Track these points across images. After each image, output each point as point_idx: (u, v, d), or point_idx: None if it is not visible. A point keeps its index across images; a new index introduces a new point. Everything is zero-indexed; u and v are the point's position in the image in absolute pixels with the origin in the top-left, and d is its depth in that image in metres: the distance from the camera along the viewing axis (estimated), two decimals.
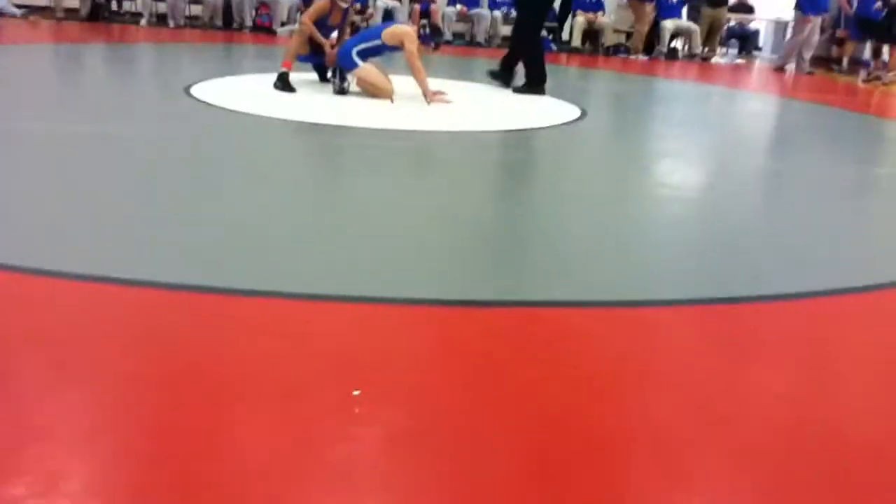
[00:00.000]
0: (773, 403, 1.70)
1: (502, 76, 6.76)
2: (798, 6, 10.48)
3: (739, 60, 12.57)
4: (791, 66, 10.78)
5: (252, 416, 1.49)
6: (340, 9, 6.00)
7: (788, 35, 11.63)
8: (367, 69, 5.64)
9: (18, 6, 10.90)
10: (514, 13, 11.79)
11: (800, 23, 10.56)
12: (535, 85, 6.42)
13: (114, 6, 11.69)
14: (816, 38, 10.71)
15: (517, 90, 6.48)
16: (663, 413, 1.61)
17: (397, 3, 11.70)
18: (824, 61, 11.56)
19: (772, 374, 1.85)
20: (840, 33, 11.19)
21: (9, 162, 3.30)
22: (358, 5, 7.25)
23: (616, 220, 3.09)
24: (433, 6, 11.57)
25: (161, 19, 11.39)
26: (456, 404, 1.59)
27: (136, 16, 11.46)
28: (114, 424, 1.45)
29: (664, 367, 1.83)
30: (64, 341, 1.75)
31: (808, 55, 10.64)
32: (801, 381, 1.83)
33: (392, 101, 5.54)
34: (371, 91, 5.66)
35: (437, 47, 6.13)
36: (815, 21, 10.50)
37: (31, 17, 10.78)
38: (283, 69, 5.75)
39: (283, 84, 5.71)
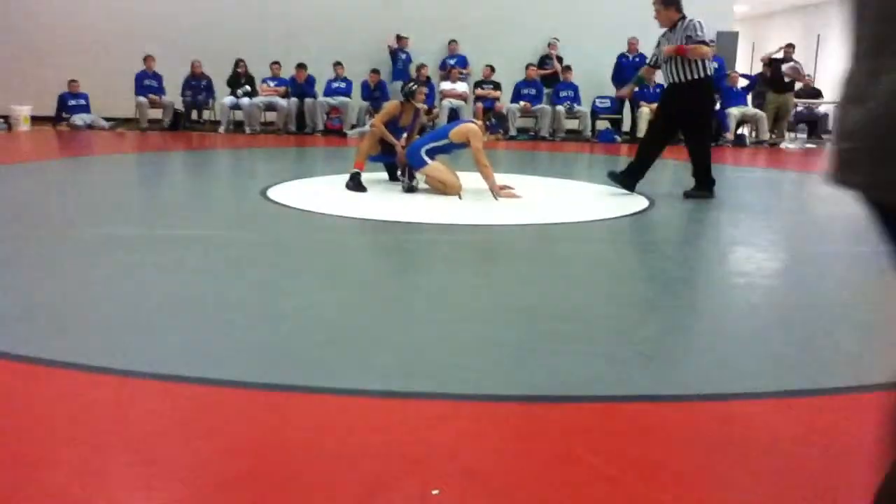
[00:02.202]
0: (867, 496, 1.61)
1: (627, 180, 6.15)
2: None
3: (809, 145, 12.43)
4: None
5: None
6: (411, 110, 6.21)
7: None
8: (435, 166, 5.78)
9: (107, 119, 11.61)
10: (577, 107, 12.05)
11: None
12: (708, 190, 6.05)
13: (194, 116, 12.33)
14: None
15: (691, 196, 5.98)
16: None
17: (462, 103, 12.04)
18: None
19: (859, 465, 1.75)
20: None
21: (97, 265, 3.45)
22: (426, 106, 7.48)
23: (695, 311, 3.03)
24: (497, 104, 11.86)
25: (238, 126, 11.95)
26: (534, 501, 1.55)
27: (215, 124, 12.05)
28: None
29: (750, 461, 1.76)
30: (149, 440, 1.78)
31: None
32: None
33: (460, 197, 5.64)
34: (440, 188, 5.77)
35: (505, 133, 6.26)
36: None
37: (118, 129, 11.45)
38: (356, 170, 5.93)
39: (356, 184, 5.87)
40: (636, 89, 8.31)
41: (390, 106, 6.28)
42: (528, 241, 4.44)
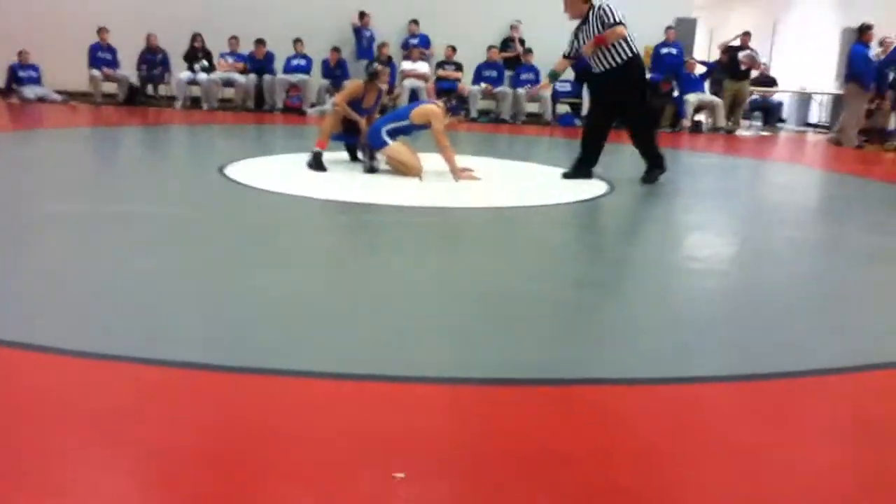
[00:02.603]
0: (815, 482, 1.66)
1: (581, 171, 6.11)
2: (856, 81, 10.22)
3: (764, 132, 12.65)
4: (854, 143, 10.28)
5: (294, 499, 1.47)
6: (375, 91, 6.16)
7: (840, 110, 11.24)
8: (396, 147, 5.75)
9: (59, 92, 11.31)
10: (541, 93, 12.07)
11: (858, 96, 10.30)
12: (660, 169, 6.05)
13: (149, 90, 12.08)
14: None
15: (647, 180, 5.98)
16: (705, 490, 1.57)
17: (423, 83, 11.98)
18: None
19: (813, 451, 1.80)
20: (884, 105, 11.07)
21: (45, 242, 3.37)
22: (387, 86, 7.43)
23: (648, 295, 3.08)
24: (459, 85, 11.83)
25: (195, 102, 11.75)
26: (497, 483, 1.57)
27: (171, 99, 11.83)
28: (158, 500, 1.45)
29: (703, 444, 1.80)
30: (104, 421, 1.75)
31: (857, 128, 10.47)
32: (844, 459, 1.78)
33: (421, 178, 5.62)
34: (400, 169, 5.75)
35: (466, 115, 6.24)
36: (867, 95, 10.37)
37: (71, 103, 11.17)
38: (317, 149, 5.88)
39: (316, 163, 5.82)
40: (554, 83, 8.23)
41: (353, 85, 6.23)
42: (488, 224, 4.45)
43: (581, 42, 5.87)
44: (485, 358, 2.27)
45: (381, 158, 5.88)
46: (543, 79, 6.75)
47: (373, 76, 6.16)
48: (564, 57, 6.14)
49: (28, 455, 1.60)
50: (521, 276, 3.24)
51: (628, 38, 5.75)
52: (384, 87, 6.41)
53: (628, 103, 5.96)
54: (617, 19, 5.66)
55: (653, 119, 6.19)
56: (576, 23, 5.92)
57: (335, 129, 6.06)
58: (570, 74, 12.35)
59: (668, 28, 12.34)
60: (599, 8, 5.73)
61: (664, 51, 12.23)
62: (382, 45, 12.02)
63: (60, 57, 11.39)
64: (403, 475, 1.56)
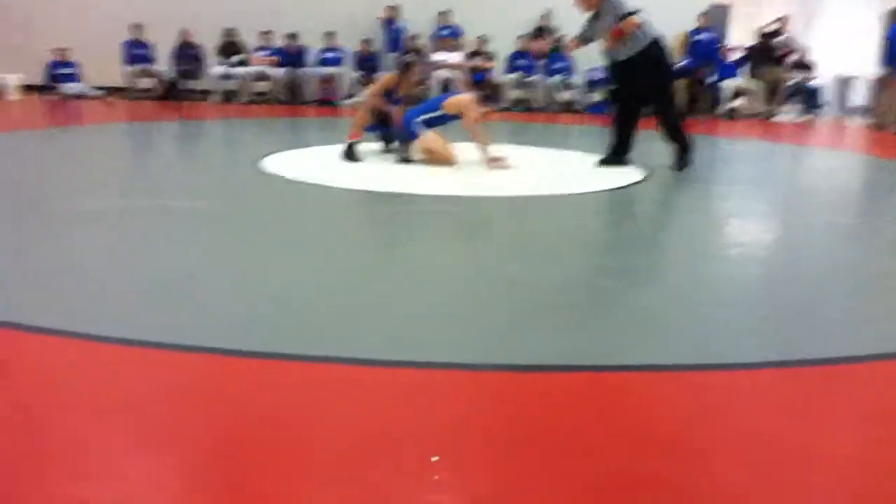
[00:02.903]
0: (844, 467, 1.62)
1: (617, 158, 6.07)
2: (893, 65, 9.99)
3: (803, 118, 12.42)
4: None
5: (328, 484, 1.48)
6: (409, 82, 6.16)
7: (874, 93, 11.02)
8: (429, 137, 5.75)
9: (97, 88, 11.48)
10: (571, 79, 11.99)
11: (894, 78, 10.09)
12: (688, 153, 5.96)
13: (185, 85, 12.21)
14: None
15: (679, 167, 5.90)
16: (735, 477, 1.55)
17: (456, 74, 11.94)
18: None
19: (846, 438, 1.77)
20: None
21: (84, 236, 3.43)
22: (420, 78, 7.43)
23: (684, 282, 3.04)
24: (487, 75, 11.78)
25: (229, 96, 11.85)
26: (525, 471, 1.56)
27: (206, 93, 11.95)
28: (184, 488, 1.46)
29: (736, 431, 1.77)
30: (131, 407, 1.78)
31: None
32: (876, 446, 1.74)
33: (455, 167, 5.61)
34: (434, 159, 5.75)
35: (496, 104, 6.20)
36: None
37: (108, 99, 11.33)
38: (351, 140, 5.90)
39: (350, 154, 5.85)
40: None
41: (386, 78, 6.24)
42: (522, 212, 4.43)
43: (594, 32, 5.82)
44: (515, 344, 2.26)
45: (414, 149, 5.88)
46: (546, 48, 6.55)
47: (405, 68, 6.16)
48: (576, 39, 6.06)
49: (55, 440, 1.63)
50: (554, 264, 3.22)
51: (643, 23, 5.68)
52: (416, 78, 6.40)
53: (652, 88, 5.88)
54: (628, 10, 5.60)
55: (676, 104, 5.99)
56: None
57: (368, 120, 6.08)
58: (600, 61, 12.24)
59: (702, 14, 12.17)
60: (608, 1, 5.65)
61: (698, 37, 12.06)
62: (412, 37, 12.01)
63: (97, 53, 11.55)
64: (437, 458, 1.56)
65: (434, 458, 1.57)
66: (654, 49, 5.75)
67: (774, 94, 12.05)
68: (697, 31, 12.12)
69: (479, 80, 11.24)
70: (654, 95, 5.92)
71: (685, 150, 5.94)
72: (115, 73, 11.58)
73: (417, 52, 11.41)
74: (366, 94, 6.53)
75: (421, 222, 4.05)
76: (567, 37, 12.08)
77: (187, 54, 11.95)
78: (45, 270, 2.86)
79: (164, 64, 11.82)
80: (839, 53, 14.20)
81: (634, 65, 5.73)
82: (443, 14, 12.51)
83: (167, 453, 1.60)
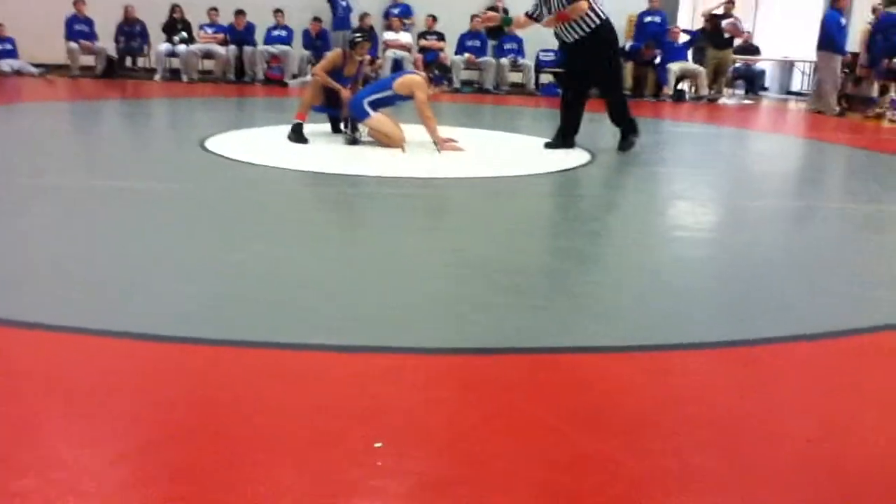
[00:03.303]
0: (802, 448, 1.69)
1: (564, 140, 6.09)
2: (831, 47, 10.21)
3: (747, 101, 12.66)
4: (834, 110, 10.33)
5: (275, 469, 1.49)
6: (355, 61, 6.11)
7: (816, 77, 11.28)
8: (378, 119, 5.72)
9: (35, 65, 11.14)
10: (520, 60, 12.03)
11: (830, 63, 10.32)
12: (634, 134, 6.04)
13: (128, 63, 11.92)
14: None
15: (624, 149, 5.97)
16: (691, 458, 1.60)
17: (406, 54, 11.89)
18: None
19: (798, 416, 1.84)
20: (861, 72, 11.11)
21: (26, 218, 3.35)
22: (369, 57, 7.37)
23: (633, 264, 3.10)
24: (441, 55, 11.75)
25: (174, 74, 11.61)
26: (478, 453, 1.59)
27: (150, 71, 11.69)
28: (138, 475, 1.45)
29: (690, 410, 1.82)
30: (87, 395, 1.76)
31: (834, 94, 10.50)
32: (829, 424, 1.81)
33: (404, 149, 5.60)
34: (383, 140, 5.73)
35: (449, 84, 6.17)
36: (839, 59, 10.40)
37: (48, 76, 11.01)
38: (297, 121, 5.84)
39: (297, 135, 5.79)
40: (499, 33, 7.84)
41: (333, 55, 6.17)
42: (471, 194, 4.45)
43: (545, 10, 5.81)
44: (470, 327, 2.28)
45: (363, 130, 5.85)
46: (499, 16, 6.42)
47: (352, 46, 6.11)
48: (526, 16, 6.03)
49: (10, 431, 1.60)
50: (505, 246, 3.25)
51: (593, 5, 5.70)
52: (365, 57, 6.34)
53: (600, 71, 5.93)
54: None
55: (622, 85, 6.04)
56: None
57: (316, 100, 6.02)
58: (553, 43, 12.32)
59: None
60: None
61: (647, 19, 12.19)
62: (364, 15, 11.91)
63: (36, 29, 11.20)
64: (381, 444, 1.58)
65: (377, 445, 1.58)
66: (603, 31, 5.79)
67: (718, 77, 12.25)
68: (647, 12, 12.25)
69: (430, 61, 11.19)
70: (601, 78, 5.98)
71: (630, 131, 6.02)
72: (56, 49, 11.24)
73: (366, 30, 11.32)
74: (312, 73, 6.45)
75: (373, 204, 4.04)
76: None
77: (131, 31, 11.66)
78: None
79: (106, 41, 11.50)
80: (783, 37, 14.49)
81: (583, 47, 5.78)
82: None
83: (119, 441, 1.58)
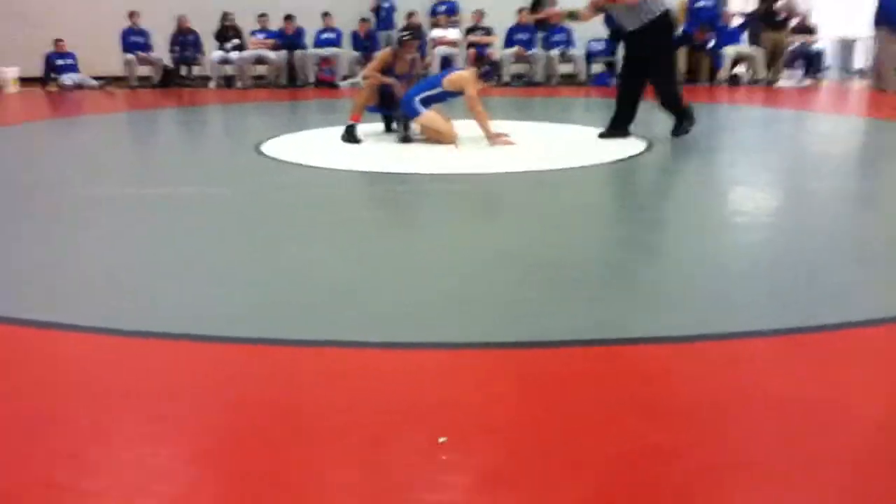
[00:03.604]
0: (872, 435, 1.63)
1: (619, 130, 6.04)
2: (887, 21, 9.89)
3: (806, 82, 12.32)
4: (894, 86, 9.99)
5: (340, 466, 1.50)
6: (405, 59, 6.11)
7: (873, 54, 11.00)
8: (429, 116, 5.73)
9: (95, 78, 11.46)
10: (570, 51, 11.92)
11: (888, 39, 10.00)
12: (689, 122, 5.91)
13: (183, 71, 12.17)
14: None
15: (677, 134, 5.87)
16: (757, 448, 1.56)
17: (455, 50, 11.88)
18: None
19: (866, 403, 1.77)
20: None
21: (80, 228, 3.44)
22: (419, 54, 7.38)
23: (692, 252, 3.04)
24: (489, 50, 11.72)
25: (228, 81, 11.81)
26: (543, 445, 1.57)
27: (205, 79, 11.91)
28: (206, 474, 1.48)
29: (754, 400, 1.78)
30: (151, 397, 1.79)
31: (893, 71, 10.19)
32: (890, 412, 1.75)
33: (456, 145, 5.60)
34: (435, 137, 5.73)
35: (499, 79, 6.13)
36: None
37: (108, 88, 11.31)
38: (351, 122, 5.88)
39: (350, 136, 5.83)
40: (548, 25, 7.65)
41: (383, 54, 6.19)
42: (525, 188, 4.42)
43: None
44: (528, 321, 2.26)
45: (415, 128, 5.86)
46: (561, 12, 6.33)
47: (400, 44, 6.12)
48: (592, 6, 5.94)
49: (68, 433, 1.65)
50: (563, 239, 3.22)
51: None
52: (415, 55, 6.34)
53: (657, 59, 5.83)
54: None
55: (677, 76, 5.95)
56: None
57: (369, 101, 6.05)
58: (604, 33, 12.19)
59: None
60: None
61: (700, 3, 11.96)
62: (411, 13, 11.95)
63: (95, 43, 11.52)
64: (445, 440, 1.58)
65: (441, 440, 1.58)
66: (665, 20, 5.72)
67: (775, 59, 11.94)
68: None
69: (480, 56, 11.16)
70: (659, 66, 5.88)
71: (685, 118, 5.91)
72: (114, 61, 11.55)
73: (414, 28, 11.36)
74: (363, 76, 6.49)
75: (427, 202, 4.04)
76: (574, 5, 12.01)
77: (185, 41, 11.91)
78: (50, 262, 2.87)
79: (161, 51, 11.77)
80: (840, 16, 14.05)
81: (644, 35, 5.70)
82: None
83: (174, 443, 1.62)
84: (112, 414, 1.73)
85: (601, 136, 6.03)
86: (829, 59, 14.13)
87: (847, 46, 14.12)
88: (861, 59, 13.97)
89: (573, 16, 6.18)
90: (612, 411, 1.72)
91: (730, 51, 11.56)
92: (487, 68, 6.03)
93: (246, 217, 3.65)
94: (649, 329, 2.22)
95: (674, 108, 5.93)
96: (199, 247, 3.09)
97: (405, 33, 6.28)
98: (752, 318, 2.29)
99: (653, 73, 5.91)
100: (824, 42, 13.80)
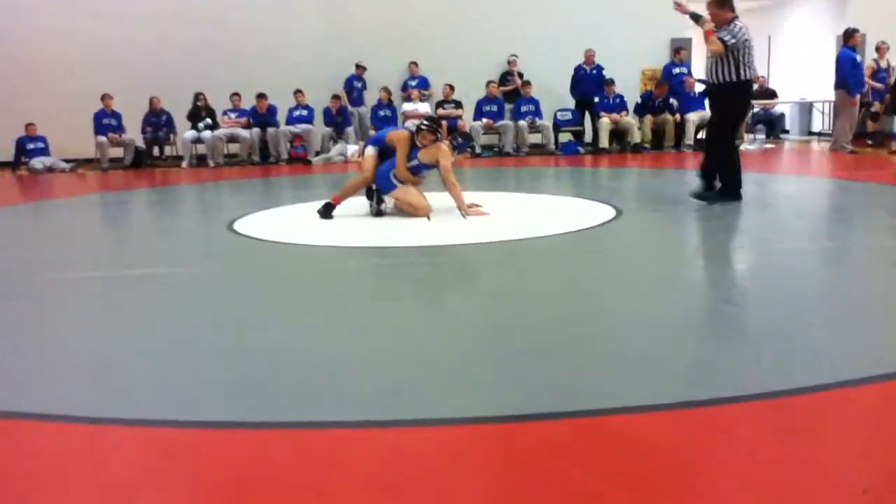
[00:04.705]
0: (859, 500, 1.62)
1: (707, 188, 6.15)
2: (844, 87, 10.29)
3: (768, 145, 12.63)
4: (847, 149, 10.35)
5: None
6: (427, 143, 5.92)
7: (834, 117, 11.39)
8: (404, 189, 5.77)
9: (66, 161, 11.46)
10: (538, 121, 12.17)
11: (847, 103, 10.42)
12: (733, 190, 6.12)
13: (155, 152, 12.21)
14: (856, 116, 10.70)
15: (711, 200, 6.01)
16: None
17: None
18: (857, 137, 11.44)
19: (850, 466, 1.77)
20: (877, 107, 11.15)
21: (61, 311, 3.39)
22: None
23: (667, 318, 3.05)
24: (460, 122, 11.92)
25: (201, 160, 11.87)
26: None
27: (178, 159, 11.96)
28: None
29: (736, 466, 1.76)
30: (124, 487, 1.74)
31: (850, 133, 10.55)
32: (885, 473, 1.74)
33: (429, 218, 5.63)
34: (409, 210, 5.77)
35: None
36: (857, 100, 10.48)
37: (79, 170, 11.31)
38: (331, 202, 5.88)
39: (326, 213, 5.81)
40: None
41: (403, 140, 5.95)
42: (499, 258, 4.44)
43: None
44: (505, 394, 2.24)
45: (388, 202, 5.90)
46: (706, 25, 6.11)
47: (417, 132, 5.97)
48: (720, 40, 5.87)
49: None
50: (539, 308, 3.22)
51: (741, 65, 5.82)
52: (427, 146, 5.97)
53: (719, 122, 6.11)
54: (725, 37, 5.76)
55: (729, 146, 6.22)
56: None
57: (357, 191, 6.02)
58: (571, 103, 12.47)
59: (679, 49, 12.52)
60: (732, 22, 5.83)
61: (676, 70, 12.36)
62: (383, 89, 12.20)
63: (66, 126, 11.56)
64: None
65: None
66: (733, 86, 5.92)
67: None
68: (673, 64, 12.45)
69: (452, 127, 11.34)
70: (719, 127, 6.15)
71: (732, 187, 6.09)
72: (85, 143, 11.58)
73: (389, 102, 11.66)
74: (336, 151, 6.47)
75: (401, 275, 4.04)
76: (531, 79, 12.31)
77: (157, 121, 11.99)
78: (12, 350, 2.82)
79: (133, 132, 11.83)
80: (799, 79, 14.52)
81: (717, 93, 6.04)
82: (412, 65, 12.70)
83: None
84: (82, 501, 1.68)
85: (697, 196, 6.10)
86: (790, 121, 14.56)
87: (805, 109, 14.57)
88: (819, 121, 14.40)
89: (697, 18, 6.23)
90: (594, 483, 1.69)
91: (693, 116, 11.85)
92: (460, 140, 6.10)
93: (219, 296, 3.62)
94: (623, 398, 2.20)
95: (710, 169, 6.11)
96: (172, 328, 3.05)
97: (424, 123, 6.12)
98: (726, 383, 2.29)
99: (713, 131, 6.17)
100: (784, 106, 14.25)
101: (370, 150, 6.01)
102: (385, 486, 1.71)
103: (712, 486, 1.69)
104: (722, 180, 6.11)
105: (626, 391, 2.26)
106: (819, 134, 14.08)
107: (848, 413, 2.11)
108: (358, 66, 12.49)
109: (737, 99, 6.06)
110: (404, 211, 5.81)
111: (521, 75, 12.61)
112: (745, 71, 5.86)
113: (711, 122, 6.28)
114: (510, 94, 12.56)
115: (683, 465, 1.79)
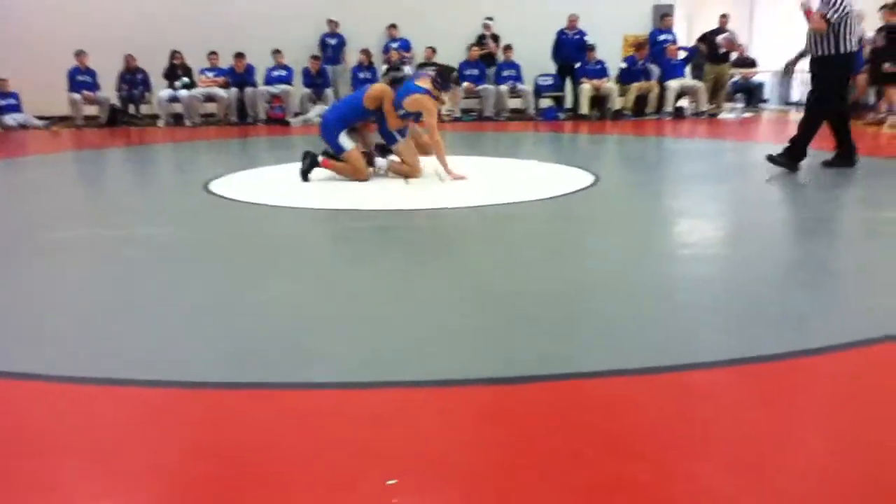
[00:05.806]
0: (827, 464, 1.66)
1: (788, 160, 6.18)
2: None
3: (747, 114, 12.68)
4: None
5: None
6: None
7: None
8: (407, 145, 5.77)
9: (40, 118, 11.28)
10: (519, 86, 12.12)
11: None
12: (851, 156, 6.25)
13: (131, 110, 12.05)
14: None
15: (831, 165, 6.22)
16: (715, 478, 1.57)
17: None
18: None
19: (817, 431, 1.81)
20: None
21: (39, 271, 3.36)
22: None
23: (643, 285, 3.07)
24: None
25: (178, 119, 11.72)
26: (498, 485, 1.57)
27: (154, 118, 11.81)
28: None
29: (709, 430, 1.80)
30: (106, 445, 1.75)
31: None
32: (847, 437, 1.79)
33: (407, 181, 5.61)
34: (403, 169, 5.76)
35: (457, 82, 6.09)
36: None
37: (53, 128, 11.14)
38: (320, 161, 5.80)
39: (307, 167, 5.73)
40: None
41: (385, 92, 5.85)
42: (478, 222, 4.45)
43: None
44: (485, 357, 2.26)
45: (383, 163, 5.86)
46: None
47: (395, 82, 5.99)
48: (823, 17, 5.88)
49: (29, 485, 1.60)
50: (517, 272, 3.23)
51: (842, 38, 5.80)
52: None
53: (819, 94, 6.08)
54: (826, 11, 5.72)
55: (823, 117, 6.20)
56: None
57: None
58: (552, 68, 12.41)
59: (665, 15, 12.47)
60: None
61: (661, 37, 12.32)
62: (363, 51, 12.07)
63: (40, 82, 11.35)
64: (395, 482, 1.56)
65: (390, 482, 1.56)
66: (836, 63, 5.91)
67: (717, 92, 12.29)
68: (659, 31, 12.41)
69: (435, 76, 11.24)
70: (819, 99, 6.11)
71: (792, 153, 6.12)
72: (60, 101, 11.39)
73: (370, 64, 11.56)
74: (315, 113, 6.41)
75: (380, 238, 4.03)
76: (516, 45, 12.23)
77: (132, 79, 11.81)
78: (7, 309, 2.80)
79: (108, 90, 11.65)
80: (780, 48, 14.53)
81: (816, 66, 6.01)
82: (391, 27, 12.56)
83: (128, 494, 1.57)
84: (65, 462, 1.68)
85: (773, 161, 6.15)
86: (769, 90, 14.60)
87: (785, 79, 14.59)
88: (798, 91, 14.45)
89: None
90: (570, 446, 1.72)
91: (673, 84, 11.86)
92: (439, 80, 5.84)
93: (196, 258, 3.60)
94: (602, 362, 2.23)
95: (803, 140, 6.11)
96: (150, 289, 3.04)
97: (398, 72, 6.10)
98: (703, 348, 2.32)
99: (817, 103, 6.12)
100: (764, 75, 14.27)
101: (350, 144, 5.78)
102: (371, 450, 1.73)
103: (686, 450, 1.72)
104: (841, 146, 6.20)
105: (598, 356, 2.28)
106: (798, 103, 14.15)
107: (818, 379, 2.15)
108: (330, 22, 12.33)
109: (836, 72, 6.03)
110: (399, 170, 5.79)
111: (496, 38, 12.51)
112: (845, 44, 5.85)
113: (813, 94, 6.21)
114: (488, 58, 12.47)
115: (659, 430, 1.82)
